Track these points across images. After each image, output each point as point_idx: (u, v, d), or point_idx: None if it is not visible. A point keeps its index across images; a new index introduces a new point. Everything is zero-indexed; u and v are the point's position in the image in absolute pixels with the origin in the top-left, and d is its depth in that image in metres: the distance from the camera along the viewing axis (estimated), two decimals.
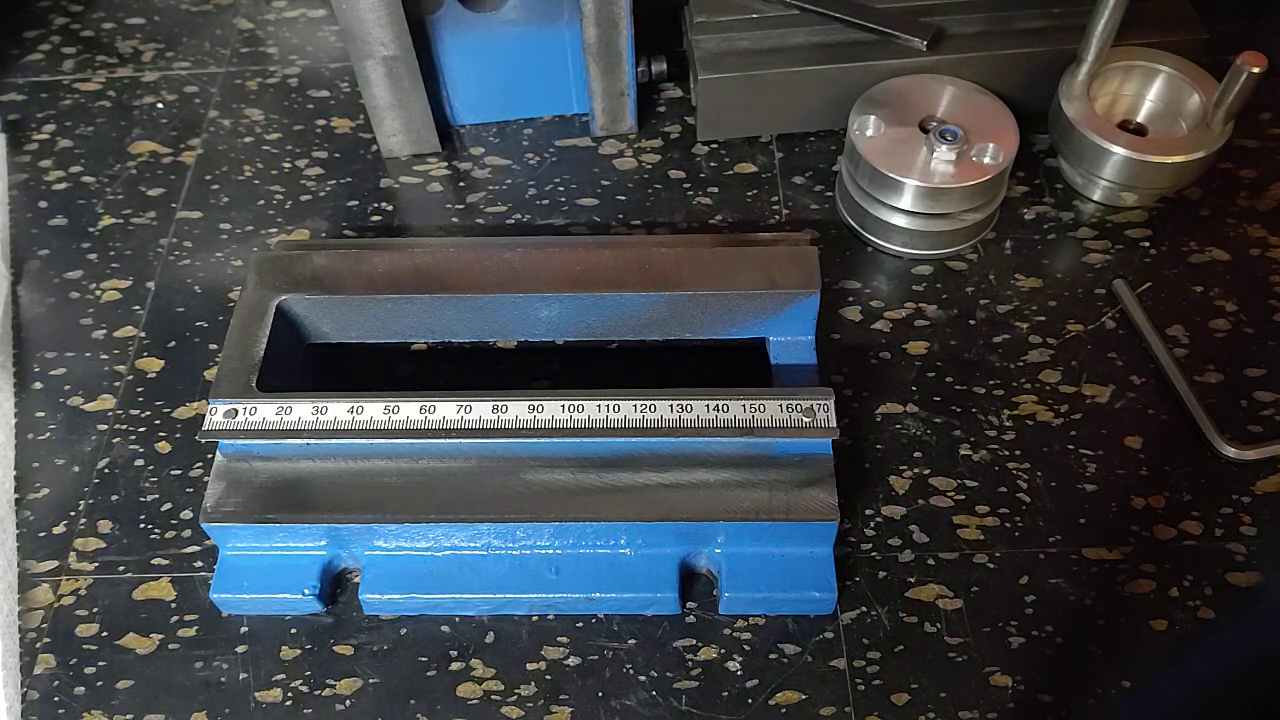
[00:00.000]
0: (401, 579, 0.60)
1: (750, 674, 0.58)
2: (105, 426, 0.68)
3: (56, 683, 0.59)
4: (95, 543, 0.64)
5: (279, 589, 0.59)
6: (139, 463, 0.66)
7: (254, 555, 0.60)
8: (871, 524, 0.63)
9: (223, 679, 0.59)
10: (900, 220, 0.71)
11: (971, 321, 0.70)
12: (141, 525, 0.64)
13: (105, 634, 0.60)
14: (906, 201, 0.70)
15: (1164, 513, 0.62)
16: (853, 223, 0.75)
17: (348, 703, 0.58)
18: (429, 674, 0.59)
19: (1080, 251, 0.73)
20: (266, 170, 0.80)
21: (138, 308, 0.73)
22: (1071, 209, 0.76)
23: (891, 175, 0.69)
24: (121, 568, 0.63)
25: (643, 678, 0.58)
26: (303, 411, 0.59)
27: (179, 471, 0.66)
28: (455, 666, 0.59)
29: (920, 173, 0.69)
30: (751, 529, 0.58)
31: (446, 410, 0.59)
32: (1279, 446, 0.63)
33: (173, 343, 0.72)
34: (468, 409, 0.59)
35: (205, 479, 0.65)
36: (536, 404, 0.59)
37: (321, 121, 0.83)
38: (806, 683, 0.58)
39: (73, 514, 0.65)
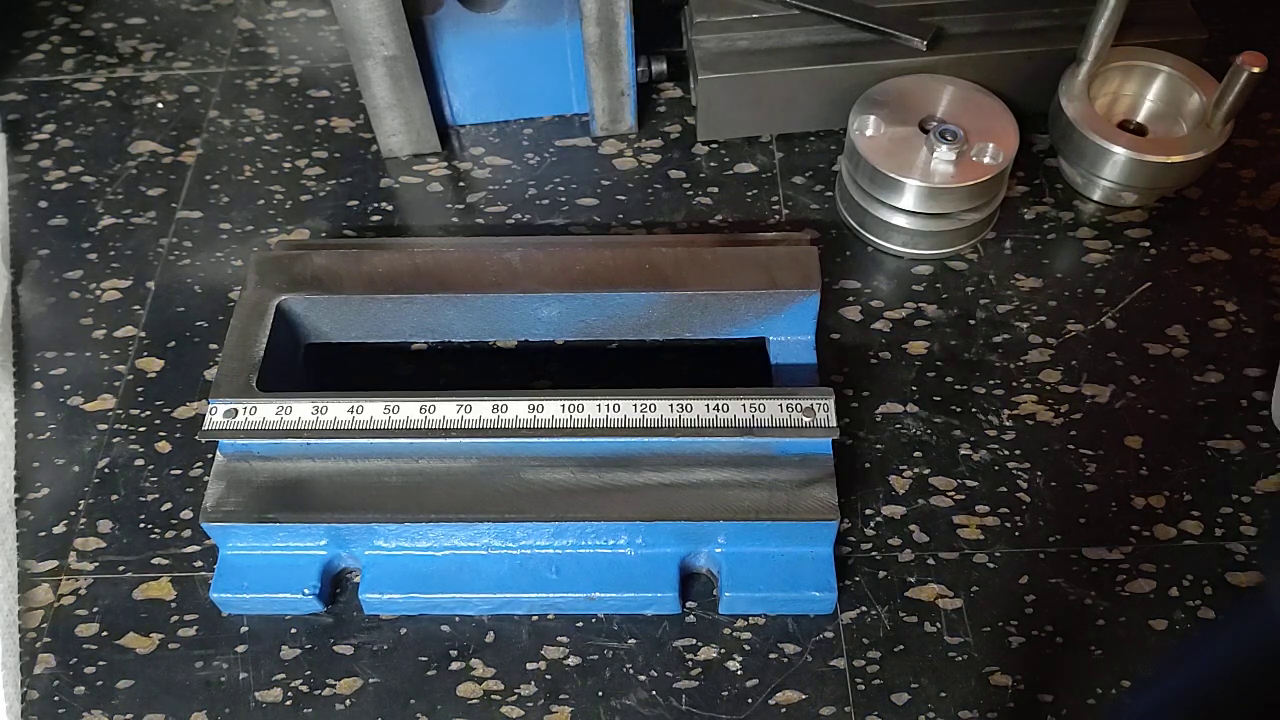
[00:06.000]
0: (401, 579, 0.60)
1: (750, 674, 0.58)
2: (105, 426, 0.68)
3: (56, 683, 0.59)
4: (95, 542, 0.64)
5: (279, 589, 0.59)
6: (139, 463, 0.66)
7: (254, 555, 0.60)
8: (871, 524, 0.63)
9: (223, 679, 0.59)
10: (900, 220, 0.71)
11: (971, 321, 0.70)
12: (141, 525, 0.64)
13: (105, 634, 0.60)
14: (906, 201, 0.70)
15: (1164, 513, 0.62)
16: (853, 223, 0.75)
17: (348, 702, 0.58)
18: (429, 674, 0.59)
19: (1080, 251, 0.73)
20: (266, 170, 0.80)
21: (138, 308, 0.73)
22: (1071, 209, 0.76)
23: (891, 175, 0.69)
24: (121, 568, 0.63)
25: (643, 677, 0.58)
26: (303, 411, 0.59)
27: (179, 471, 0.66)
28: (455, 666, 0.59)
29: (920, 173, 0.69)
30: (751, 529, 0.58)
31: (446, 410, 0.59)
32: None
33: (173, 343, 0.72)
34: (468, 409, 0.59)
35: (205, 479, 0.65)
36: (536, 404, 0.59)
37: (321, 121, 0.83)
38: (806, 682, 0.58)
39: (73, 514, 0.65)
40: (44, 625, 0.61)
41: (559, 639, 0.59)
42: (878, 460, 0.65)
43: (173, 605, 0.61)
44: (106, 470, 0.66)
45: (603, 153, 0.80)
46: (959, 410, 0.67)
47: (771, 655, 0.59)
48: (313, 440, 0.59)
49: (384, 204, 0.78)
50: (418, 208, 0.78)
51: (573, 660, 0.59)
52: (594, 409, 0.59)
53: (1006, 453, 0.65)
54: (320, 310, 0.65)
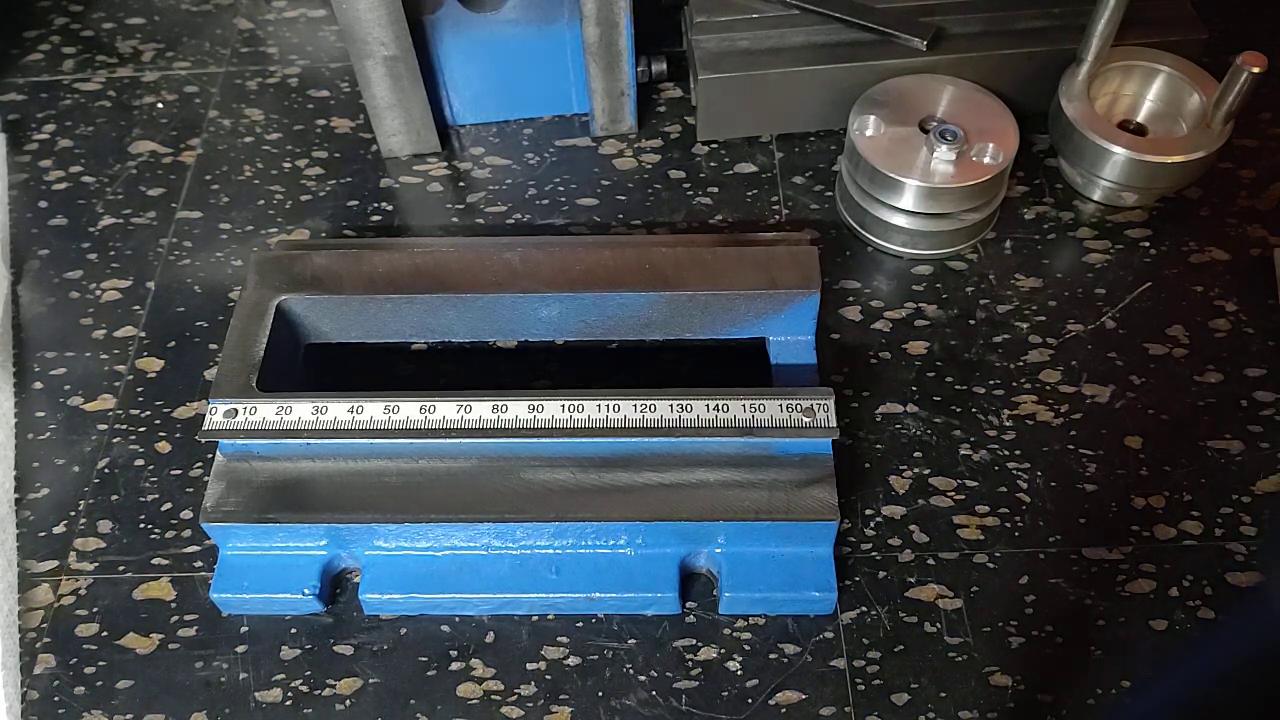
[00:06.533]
0: (401, 579, 0.60)
1: (750, 674, 0.58)
2: (105, 426, 0.68)
3: (56, 683, 0.59)
4: (95, 543, 0.64)
5: (279, 589, 0.59)
6: (139, 463, 0.66)
7: (254, 555, 0.60)
8: (871, 524, 0.63)
9: (223, 679, 0.59)
10: (900, 220, 0.71)
11: (971, 321, 0.70)
12: (141, 525, 0.64)
13: (105, 634, 0.60)
14: (906, 201, 0.70)
15: (1164, 513, 0.62)
16: (853, 223, 0.75)
17: (348, 703, 0.58)
18: (429, 674, 0.59)
19: (1080, 251, 0.73)
20: (266, 170, 0.80)
21: (138, 308, 0.73)
22: (1071, 209, 0.76)
23: (891, 175, 0.69)
24: (121, 568, 0.63)
25: (643, 678, 0.58)
26: (303, 411, 0.59)
27: (179, 471, 0.66)
28: (455, 666, 0.59)
29: (920, 173, 0.69)
30: (751, 529, 0.58)
31: (446, 410, 0.59)
32: None
33: (173, 343, 0.72)
34: (468, 409, 0.59)
35: (205, 479, 0.65)
36: (536, 404, 0.59)
37: (321, 121, 0.83)
38: (806, 683, 0.58)
39: (73, 514, 0.65)
40: (44, 625, 0.61)
41: (559, 639, 0.59)
42: (878, 460, 0.65)
43: (173, 605, 0.61)
44: (106, 470, 0.66)
45: (603, 153, 0.80)
46: (959, 410, 0.67)
47: (771, 655, 0.59)
48: (313, 440, 0.59)
49: (384, 204, 0.78)
50: (418, 208, 0.78)
51: (573, 660, 0.59)
52: (594, 409, 0.59)
53: (1006, 453, 0.65)
54: (320, 310, 0.65)
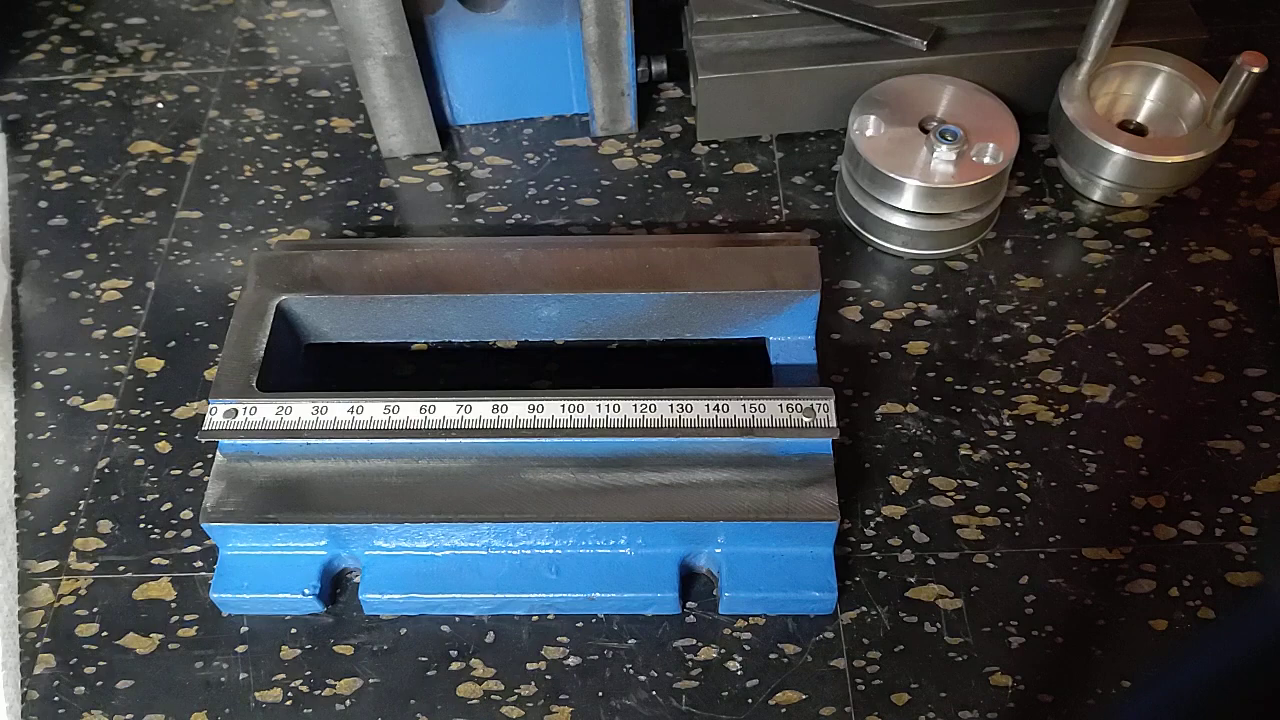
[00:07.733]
0: (401, 579, 0.60)
1: (750, 674, 0.58)
2: (105, 426, 0.68)
3: (56, 683, 0.59)
4: (95, 543, 0.64)
5: (279, 589, 0.59)
6: (139, 463, 0.66)
7: (254, 555, 0.60)
8: (871, 524, 0.63)
9: (223, 679, 0.59)
10: (900, 220, 0.71)
11: (971, 321, 0.70)
12: (141, 525, 0.64)
13: (105, 634, 0.61)
14: (906, 201, 0.70)
15: (1164, 513, 0.62)
16: (853, 223, 0.75)
17: (348, 703, 0.58)
18: (429, 674, 0.59)
19: (1080, 251, 0.73)
20: (266, 170, 0.80)
21: (138, 308, 0.73)
22: (1071, 209, 0.76)
23: (891, 175, 0.69)
24: (121, 568, 0.63)
25: (643, 678, 0.58)
26: (303, 411, 0.59)
27: (179, 471, 0.66)
28: (455, 666, 0.59)
29: (920, 173, 0.69)
30: (751, 529, 0.58)
31: (446, 410, 0.59)
32: None
33: (173, 343, 0.72)
34: (468, 409, 0.59)
35: (205, 479, 0.65)
36: (536, 404, 0.59)
37: (321, 121, 0.83)
38: (806, 683, 0.58)
39: (73, 514, 0.65)
40: (44, 625, 0.61)
41: (559, 639, 0.59)
42: (878, 460, 0.65)
43: (173, 605, 0.61)
44: (106, 470, 0.66)
45: (603, 153, 0.80)
46: (959, 410, 0.67)
47: (771, 655, 0.59)
48: (313, 440, 0.59)
49: (384, 204, 0.78)
50: (418, 208, 0.78)
51: (573, 660, 0.59)
52: (594, 409, 0.59)
53: (1006, 453, 0.65)
54: (320, 310, 0.65)
